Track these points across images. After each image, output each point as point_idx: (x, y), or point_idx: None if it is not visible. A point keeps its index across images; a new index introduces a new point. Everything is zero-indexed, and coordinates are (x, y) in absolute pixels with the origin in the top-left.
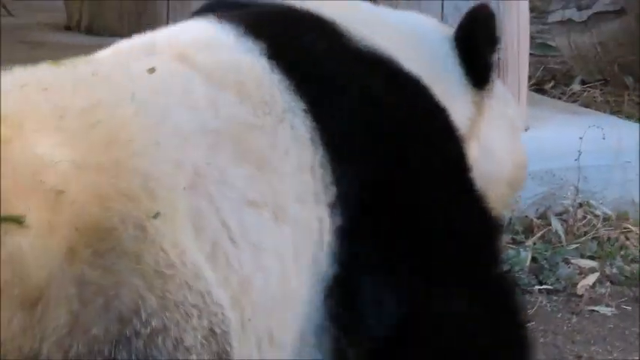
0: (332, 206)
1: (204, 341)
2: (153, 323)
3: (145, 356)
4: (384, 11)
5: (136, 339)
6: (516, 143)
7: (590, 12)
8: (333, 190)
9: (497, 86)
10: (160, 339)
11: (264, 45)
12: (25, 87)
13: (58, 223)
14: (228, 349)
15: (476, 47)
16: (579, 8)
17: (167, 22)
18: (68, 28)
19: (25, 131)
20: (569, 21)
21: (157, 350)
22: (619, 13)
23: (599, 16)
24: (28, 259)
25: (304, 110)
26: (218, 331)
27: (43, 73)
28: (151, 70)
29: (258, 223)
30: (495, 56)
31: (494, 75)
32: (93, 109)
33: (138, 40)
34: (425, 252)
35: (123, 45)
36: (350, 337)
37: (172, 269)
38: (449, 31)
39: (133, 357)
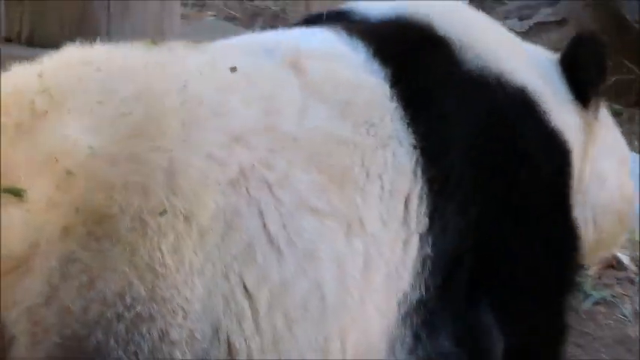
0: (423, 236)
1: (188, 340)
2: (138, 309)
3: (126, 341)
4: (503, 31)
5: (118, 322)
6: (624, 176)
7: (531, 22)
8: (425, 221)
9: (606, 116)
10: (145, 327)
11: (389, 71)
12: (86, 65)
13: (59, 201)
14: (205, 358)
15: (579, 71)
16: (520, 18)
17: (107, 32)
18: (8, 40)
19: (62, 108)
20: (511, 31)
21: (140, 337)
22: (560, 23)
23: (541, 26)
24: (14, 231)
25: (413, 145)
26: (199, 337)
27: (112, 53)
28: (233, 69)
29: (318, 231)
30: (602, 83)
31: (599, 101)
32: (135, 97)
33: (266, 36)
34: (516, 290)
35: (246, 38)
36: (435, 356)
37: (165, 269)
38: (553, 55)
39: (112, 339)
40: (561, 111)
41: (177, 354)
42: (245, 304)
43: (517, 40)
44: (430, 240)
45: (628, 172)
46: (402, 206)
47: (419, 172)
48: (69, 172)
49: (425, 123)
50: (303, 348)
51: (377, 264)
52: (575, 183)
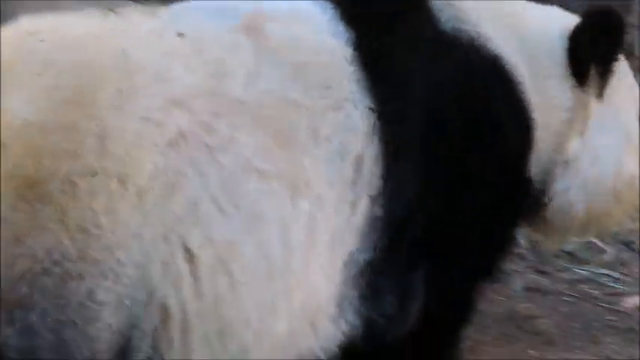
0: (374, 197)
1: (117, 304)
2: (66, 266)
3: (54, 295)
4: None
5: (45, 276)
6: (627, 158)
7: None
8: (377, 183)
9: (620, 99)
10: (74, 284)
11: (353, 34)
12: (32, 35)
13: None
14: (136, 323)
15: (577, 47)
16: None
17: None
18: None
19: (7, 81)
20: None
21: (68, 292)
22: None
23: None
24: None
25: (370, 108)
26: (127, 303)
27: (59, 23)
28: (181, 35)
29: (263, 193)
30: (608, 61)
31: (605, 80)
32: (74, 68)
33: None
34: (459, 254)
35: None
36: (377, 316)
37: (99, 230)
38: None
39: (37, 292)
40: (537, 85)
41: (106, 315)
42: (185, 267)
43: (515, 7)
44: (381, 202)
45: (634, 155)
46: (351, 168)
47: (375, 135)
48: (3, 144)
49: (385, 86)
50: (248, 310)
51: (322, 225)
52: (553, 156)
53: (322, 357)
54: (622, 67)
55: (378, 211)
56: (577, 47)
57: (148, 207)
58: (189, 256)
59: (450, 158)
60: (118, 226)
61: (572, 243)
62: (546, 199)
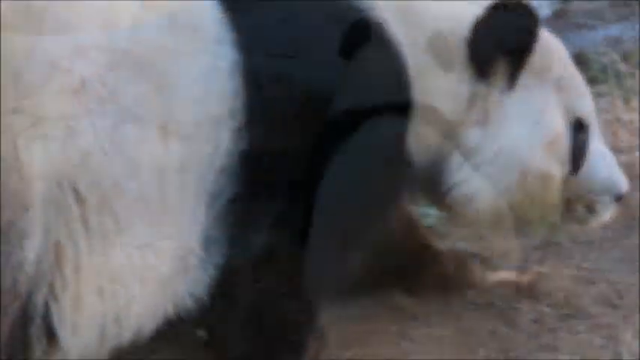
0: (237, 131)
1: (34, 237)
2: None
3: None
4: None
5: None
6: (540, 155)
7: None
8: (241, 115)
9: (541, 93)
10: None
11: None
12: None
13: None
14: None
15: (476, 40)
16: None
17: None
18: None
19: None
20: None
21: None
22: None
23: None
24: None
25: (232, 41)
26: (39, 239)
27: None
28: None
29: (139, 138)
30: (521, 57)
31: (516, 73)
32: None
33: None
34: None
35: None
36: (240, 254)
37: (18, 163)
38: None
39: None
40: (426, 71)
41: (27, 246)
42: (75, 208)
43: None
44: (246, 135)
45: (550, 151)
46: (217, 105)
47: (236, 68)
48: None
49: (246, 20)
50: (130, 249)
51: (191, 166)
52: (446, 144)
53: (190, 304)
54: (553, 59)
55: (244, 145)
56: (477, 40)
57: (50, 153)
58: (79, 198)
59: (311, 105)
60: (33, 162)
61: (431, 217)
62: (444, 187)
